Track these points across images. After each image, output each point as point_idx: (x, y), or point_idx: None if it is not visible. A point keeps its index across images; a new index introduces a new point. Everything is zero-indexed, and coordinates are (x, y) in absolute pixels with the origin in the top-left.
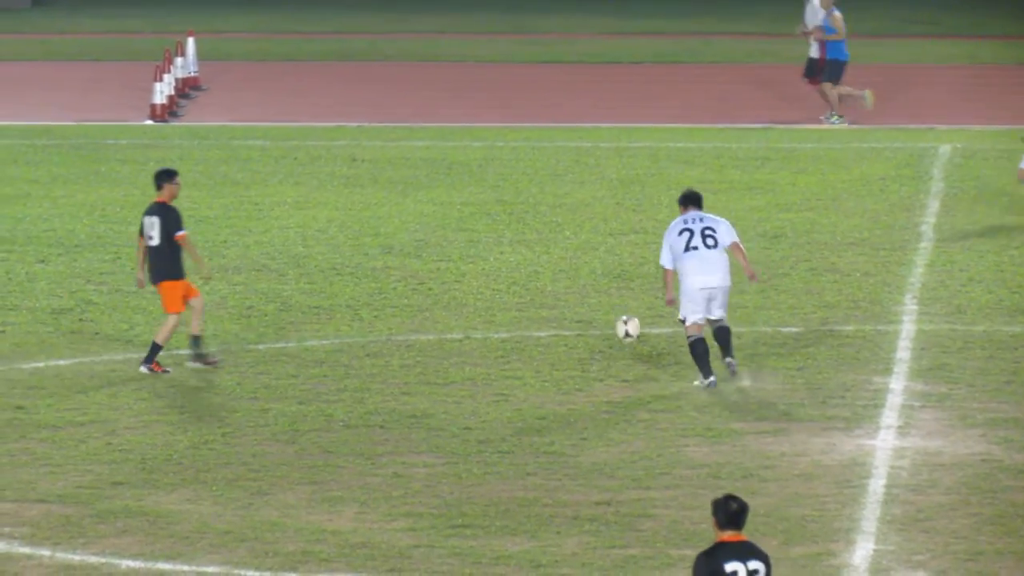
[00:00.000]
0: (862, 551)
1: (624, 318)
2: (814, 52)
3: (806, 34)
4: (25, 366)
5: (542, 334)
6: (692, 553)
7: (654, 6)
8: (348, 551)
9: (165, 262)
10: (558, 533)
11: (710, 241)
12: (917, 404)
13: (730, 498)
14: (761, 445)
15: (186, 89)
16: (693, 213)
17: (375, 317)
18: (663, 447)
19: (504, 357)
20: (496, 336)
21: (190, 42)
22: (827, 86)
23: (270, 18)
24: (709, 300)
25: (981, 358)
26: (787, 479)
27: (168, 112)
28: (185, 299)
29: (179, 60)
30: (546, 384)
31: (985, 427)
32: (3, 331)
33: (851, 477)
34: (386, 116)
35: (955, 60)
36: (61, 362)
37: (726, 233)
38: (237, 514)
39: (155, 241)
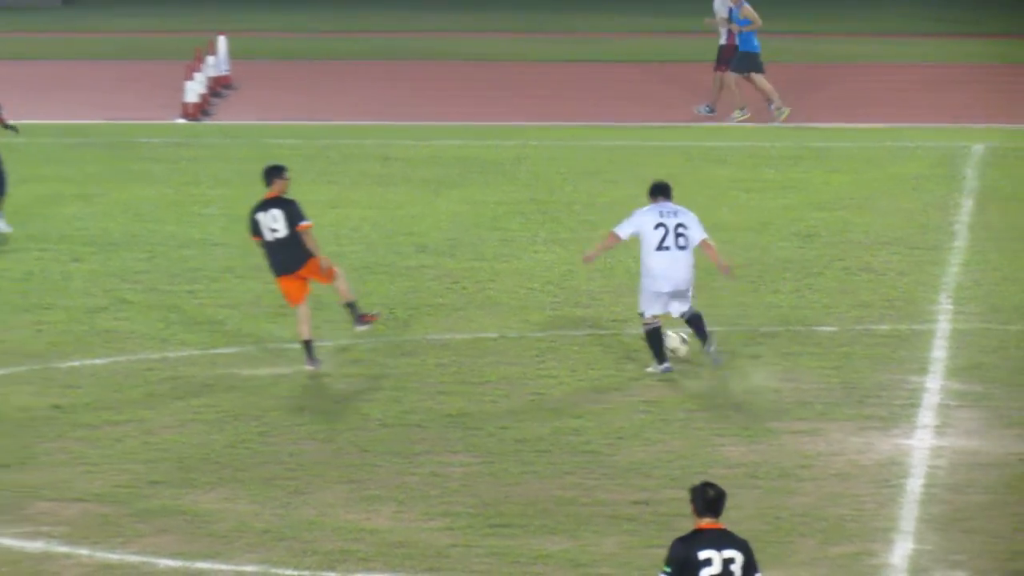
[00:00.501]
0: (901, 551)
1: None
2: (723, 40)
3: (714, 24)
4: (61, 365)
5: (577, 333)
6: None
7: (688, 5)
8: (386, 550)
9: (297, 248)
10: (596, 532)
11: (682, 241)
12: (954, 403)
13: (707, 485)
14: (798, 444)
15: (218, 88)
16: (666, 205)
17: (410, 316)
18: (700, 446)
19: (540, 356)
20: (531, 335)
21: (221, 41)
22: (731, 76)
23: (301, 17)
24: (671, 299)
25: (1017, 357)
26: (824, 478)
27: (200, 111)
28: (298, 292)
29: (210, 59)
30: (582, 383)
31: (1022, 426)
32: (39, 330)
33: (889, 476)
34: (418, 115)
35: (988, 59)
36: (97, 361)
37: (696, 231)
38: (275, 513)
39: (282, 232)
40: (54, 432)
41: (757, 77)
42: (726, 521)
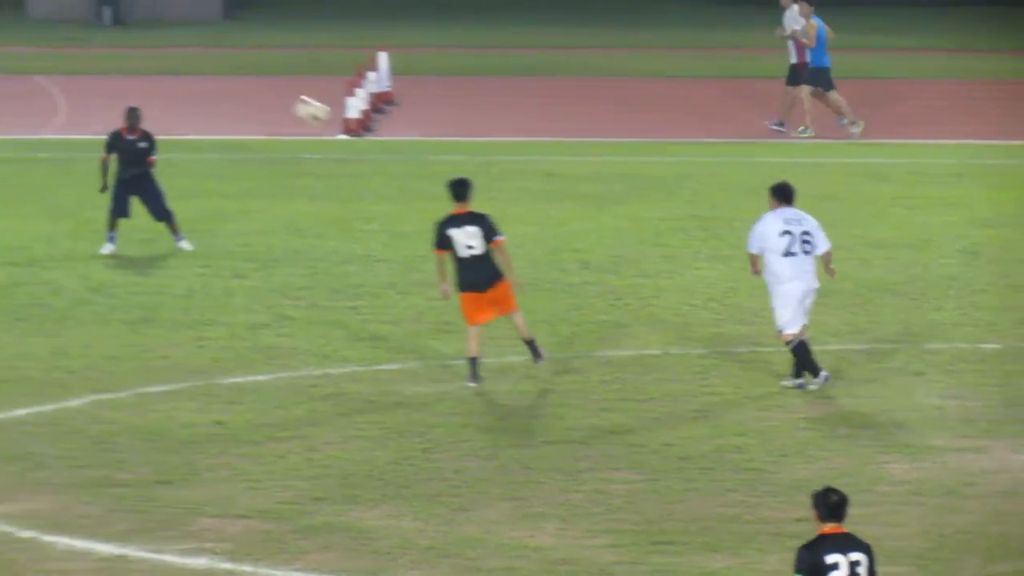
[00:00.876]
0: None
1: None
2: (793, 58)
3: (785, 37)
4: (223, 381)
5: (740, 350)
6: (895, 570)
7: (852, 20)
8: (550, 567)
9: (491, 267)
10: (759, 550)
11: (807, 247)
12: None
13: (830, 490)
14: (961, 462)
15: (379, 104)
16: (789, 212)
17: (573, 332)
18: (863, 464)
19: (702, 373)
20: (694, 352)
21: (383, 57)
22: (805, 90)
23: (463, 33)
24: (801, 302)
25: None
26: (988, 496)
27: (362, 127)
28: (478, 312)
29: (372, 75)
30: (745, 400)
31: None
32: (201, 346)
33: None
34: (580, 131)
35: None
36: (260, 377)
37: (821, 241)
38: (439, 530)
39: (479, 249)
40: (217, 448)
41: (830, 94)
42: (890, 538)
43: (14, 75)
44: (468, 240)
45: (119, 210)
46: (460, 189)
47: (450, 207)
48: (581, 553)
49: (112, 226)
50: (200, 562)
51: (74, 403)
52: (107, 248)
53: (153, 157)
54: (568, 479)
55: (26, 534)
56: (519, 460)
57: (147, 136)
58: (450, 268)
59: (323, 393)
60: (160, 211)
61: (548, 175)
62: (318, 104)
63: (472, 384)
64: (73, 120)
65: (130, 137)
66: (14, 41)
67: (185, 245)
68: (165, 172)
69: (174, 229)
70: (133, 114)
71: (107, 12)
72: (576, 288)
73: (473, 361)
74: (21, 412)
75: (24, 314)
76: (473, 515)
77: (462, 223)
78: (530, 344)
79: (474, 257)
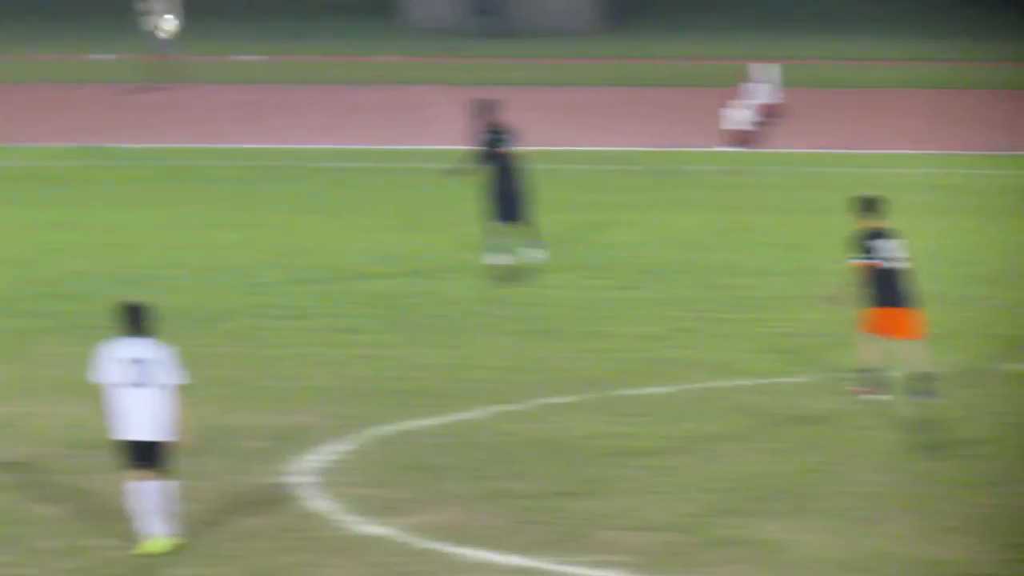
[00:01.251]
0: None
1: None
2: None
3: None
4: (621, 393)
5: None
6: None
7: None
8: None
9: (909, 284)
10: None
11: None
12: None
13: None
14: None
15: (767, 115)
16: None
17: (975, 345)
18: None
19: None
20: None
21: (771, 68)
22: None
23: (854, 45)
24: None
25: None
26: None
27: (749, 138)
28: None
29: (760, 86)
30: None
31: None
32: (596, 358)
33: None
34: (968, 144)
35: None
36: (658, 389)
37: None
38: (846, 544)
39: (902, 263)
40: (619, 460)
41: None
42: None
43: (391, 84)
44: (894, 252)
45: (496, 216)
46: (876, 205)
47: (844, 220)
48: (992, 568)
49: (493, 232)
50: (605, 574)
51: (475, 414)
52: (496, 258)
53: (507, 149)
54: (977, 492)
55: (433, 545)
56: (926, 473)
57: (502, 129)
58: (857, 284)
59: (723, 405)
60: (521, 214)
61: (937, 188)
62: (168, 17)
63: (879, 397)
64: (451, 130)
65: (484, 130)
66: (390, 51)
67: (537, 255)
68: (544, 183)
69: (532, 235)
70: (485, 107)
71: (484, 22)
72: (975, 302)
73: (879, 374)
74: (422, 423)
75: (419, 325)
76: (881, 528)
77: (885, 236)
78: (925, 378)
79: (896, 271)
